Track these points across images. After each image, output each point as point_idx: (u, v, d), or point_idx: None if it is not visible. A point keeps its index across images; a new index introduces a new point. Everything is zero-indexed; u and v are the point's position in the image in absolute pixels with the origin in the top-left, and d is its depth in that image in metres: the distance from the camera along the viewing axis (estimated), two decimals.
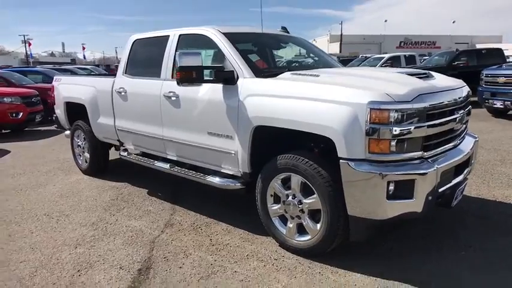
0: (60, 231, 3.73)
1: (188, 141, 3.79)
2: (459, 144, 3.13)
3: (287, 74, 3.26)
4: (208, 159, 3.69)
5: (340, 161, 2.63)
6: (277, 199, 3.17)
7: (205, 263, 3.00)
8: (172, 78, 3.98)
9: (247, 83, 3.25)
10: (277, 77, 3.23)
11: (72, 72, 17.04)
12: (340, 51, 49.68)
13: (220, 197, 4.41)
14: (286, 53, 4.59)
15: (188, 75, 3.29)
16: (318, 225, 2.89)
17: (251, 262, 2.99)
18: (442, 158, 2.80)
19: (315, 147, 3.13)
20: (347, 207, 2.68)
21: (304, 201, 2.94)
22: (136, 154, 4.77)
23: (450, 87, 3.04)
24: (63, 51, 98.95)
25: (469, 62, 11.73)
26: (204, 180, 3.75)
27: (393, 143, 2.54)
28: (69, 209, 4.31)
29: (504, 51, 13.01)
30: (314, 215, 2.94)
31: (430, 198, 2.63)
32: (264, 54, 4.30)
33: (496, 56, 12.16)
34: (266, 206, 3.22)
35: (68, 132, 6.24)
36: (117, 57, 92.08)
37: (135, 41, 4.67)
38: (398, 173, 2.54)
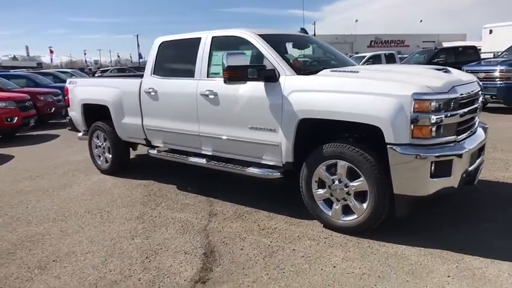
0: (109, 225, 3.92)
1: (228, 136, 4.07)
2: (476, 130, 3.58)
3: (327, 71, 3.61)
4: (249, 152, 3.98)
5: (388, 146, 3.00)
6: (321, 184, 3.50)
7: (262, 245, 3.30)
8: (207, 77, 4.24)
9: (290, 80, 3.57)
10: (318, 74, 3.57)
11: (55, 76, 16.78)
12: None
13: (250, 188, 4.72)
14: (306, 53, 4.93)
15: (235, 74, 3.58)
16: (364, 205, 3.25)
17: (304, 241, 3.32)
18: (468, 142, 3.22)
19: (351, 136, 3.48)
20: (393, 187, 3.05)
21: (350, 184, 3.29)
22: (164, 151, 4.98)
23: (471, 80, 3.48)
24: (28, 55, 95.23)
25: (448, 59, 12.51)
26: (244, 172, 4.04)
27: (433, 128, 2.94)
28: (107, 206, 4.48)
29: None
30: (359, 196, 3.30)
31: (463, 175, 3.05)
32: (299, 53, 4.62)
33: (471, 53, 13.03)
34: (311, 191, 3.55)
35: (80, 134, 6.36)
36: (85, 61, 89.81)
37: (161, 43, 4.88)
38: (440, 154, 2.94)
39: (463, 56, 12.63)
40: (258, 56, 3.93)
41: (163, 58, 4.84)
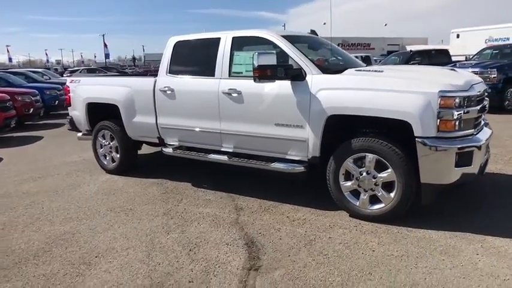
0: (138, 222, 3.96)
1: (252, 132, 4.22)
2: (483, 126, 3.94)
3: (351, 71, 3.86)
4: (274, 148, 4.15)
5: (416, 139, 3.27)
6: (348, 176, 3.74)
7: (299, 234, 3.49)
8: (229, 76, 4.38)
9: (318, 79, 3.78)
10: (344, 73, 3.81)
11: (27, 76, 16.17)
12: None
13: (267, 183, 4.90)
14: (320, 53, 5.15)
15: (265, 73, 3.75)
16: (392, 194, 3.51)
17: (337, 230, 3.54)
18: (481, 135, 3.56)
19: (372, 131, 3.74)
20: (420, 176, 3.33)
21: (378, 175, 3.54)
22: (180, 149, 5.05)
23: (480, 80, 3.84)
24: None
25: (422, 61, 13.22)
26: (268, 167, 4.21)
27: (456, 123, 3.25)
28: (127, 204, 4.50)
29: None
30: (385, 186, 3.56)
31: (481, 165, 3.39)
32: (314, 54, 4.83)
33: (443, 56, 13.86)
34: (339, 183, 3.78)
35: (80, 134, 6.29)
36: (47, 60, 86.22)
37: (176, 42, 4.96)
38: (462, 146, 3.25)
39: (436, 59, 13.39)
40: (281, 56, 4.11)
41: (179, 57, 4.92)
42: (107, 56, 54.08)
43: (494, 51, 10.86)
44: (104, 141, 5.80)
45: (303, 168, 4.04)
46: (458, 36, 20.15)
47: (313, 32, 5.29)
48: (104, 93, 5.61)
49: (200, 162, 5.10)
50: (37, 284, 2.89)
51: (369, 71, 3.83)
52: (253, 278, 2.85)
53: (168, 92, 4.82)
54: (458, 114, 3.23)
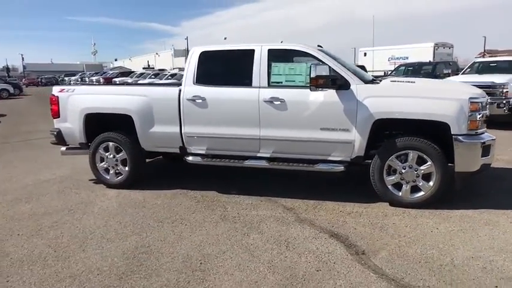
0: (200, 230, 3.95)
1: (295, 137, 4.58)
2: None
3: (387, 81, 4.54)
4: (317, 150, 4.57)
5: (453, 136, 4.07)
6: (391, 171, 4.37)
7: (366, 224, 3.97)
8: (268, 86, 4.68)
9: (362, 88, 4.36)
10: (382, 83, 4.46)
11: None
12: None
13: (290, 185, 5.28)
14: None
15: (320, 83, 4.20)
16: (431, 183, 4.24)
17: (395, 218, 4.12)
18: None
19: (406, 132, 4.46)
20: (455, 166, 4.13)
21: (420, 168, 4.25)
22: (205, 157, 5.10)
23: None
24: None
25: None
26: (313, 169, 4.61)
27: (479, 122, 4.15)
28: (170, 214, 4.41)
29: None
30: (424, 177, 4.28)
31: (494, 156, 4.35)
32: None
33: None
34: (383, 178, 4.38)
35: (64, 148, 5.83)
36: None
37: (202, 53, 5.03)
38: (485, 140, 4.15)
39: None
40: (322, 67, 4.56)
41: (207, 67, 5.00)
42: None
43: (407, 68, 12.96)
44: (107, 154, 5.45)
45: (342, 167, 4.55)
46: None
47: (320, 47, 5.87)
48: (111, 103, 5.32)
49: (203, 170, 5.21)
50: None
51: (403, 81, 4.56)
52: (367, 259, 3.23)
53: (198, 101, 4.87)
54: (479, 116, 4.13)
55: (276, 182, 5.51)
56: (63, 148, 5.83)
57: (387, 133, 4.59)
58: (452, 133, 4.08)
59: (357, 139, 4.37)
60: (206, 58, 5.03)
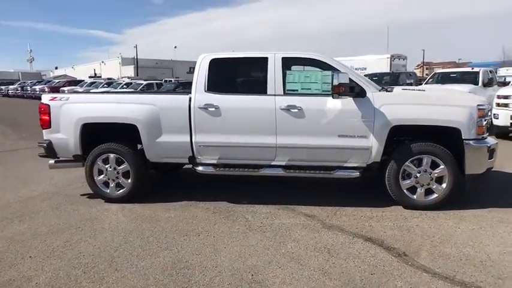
0: (232, 241, 3.83)
1: (313, 145, 4.62)
2: None
3: (399, 89, 4.75)
4: (335, 157, 4.66)
5: (464, 141, 4.36)
6: (406, 175, 4.56)
7: (394, 227, 4.10)
8: (284, 94, 4.70)
9: (378, 95, 4.54)
10: (395, 91, 4.67)
11: None
12: (137, 75, 49.94)
13: (300, 192, 5.31)
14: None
15: (342, 90, 4.31)
16: (443, 185, 4.49)
17: (415, 220, 4.29)
18: None
19: (416, 137, 4.70)
20: (465, 169, 4.42)
21: (433, 172, 4.48)
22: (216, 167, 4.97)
23: None
24: None
25: None
26: (331, 175, 4.69)
27: (485, 127, 4.49)
28: (192, 229, 4.19)
29: None
30: (437, 180, 4.52)
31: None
32: None
33: None
34: (399, 182, 4.56)
35: (52, 161, 5.42)
36: None
37: (212, 60, 4.93)
38: (491, 144, 4.49)
39: None
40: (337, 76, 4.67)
41: (219, 75, 4.91)
42: None
43: (372, 78, 13.58)
44: (106, 166, 5.11)
45: (358, 173, 4.68)
46: None
47: None
48: (113, 112, 5.02)
49: (203, 180, 5.21)
50: None
51: (414, 89, 4.80)
52: (412, 260, 3.34)
53: (211, 109, 4.76)
54: (485, 122, 4.48)
55: (284, 189, 5.51)
56: (52, 161, 5.40)
57: (395, 139, 4.78)
58: (463, 138, 4.36)
59: (374, 145, 4.52)
60: (217, 65, 4.94)
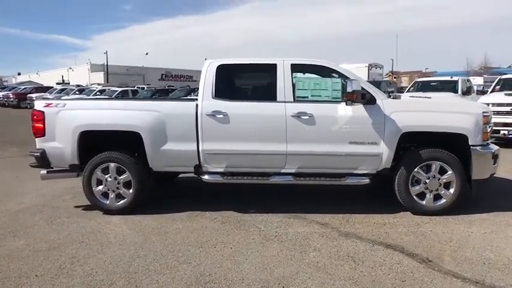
0: (252, 252, 3.71)
1: (324, 152, 4.60)
2: None
3: (407, 97, 4.82)
4: (345, 164, 4.65)
5: (471, 147, 4.47)
6: (414, 182, 4.61)
7: (409, 232, 4.12)
8: (294, 101, 4.66)
9: (387, 103, 4.59)
10: (404, 98, 4.74)
11: None
12: (108, 81, 48.72)
13: (312, 200, 5.26)
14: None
15: (355, 97, 4.32)
16: (452, 190, 4.57)
17: (427, 225, 4.33)
18: None
19: (423, 144, 4.77)
20: (472, 174, 4.52)
21: (441, 177, 4.56)
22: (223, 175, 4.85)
23: None
24: None
25: None
26: (342, 182, 4.67)
27: (488, 134, 4.62)
28: (206, 240, 4.01)
29: None
30: (445, 186, 4.60)
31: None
32: None
33: None
34: (408, 188, 4.60)
35: (44, 172, 5.11)
36: None
37: (218, 66, 4.82)
38: (495, 149, 4.63)
39: None
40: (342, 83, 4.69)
41: (227, 81, 4.81)
42: None
43: None
44: (106, 176, 4.86)
45: (368, 180, 4.69)
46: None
47: None
48: (114, 119, 4.79)
49: (197, 188, 5.13)
50: None
51: (420, 97, 4.89)
52: (438, 266, 3.35)
53: (219, 116, 4.64)
54: (489, 128, 4.61)
55: (289, 197, 5.44)
56: (44, 171, 5.08)
57: (402, 146, 4.83)
58: (470, 144, 4.47)
59: (384, 152, 4.55)
60: (225, 72, 4.84)
